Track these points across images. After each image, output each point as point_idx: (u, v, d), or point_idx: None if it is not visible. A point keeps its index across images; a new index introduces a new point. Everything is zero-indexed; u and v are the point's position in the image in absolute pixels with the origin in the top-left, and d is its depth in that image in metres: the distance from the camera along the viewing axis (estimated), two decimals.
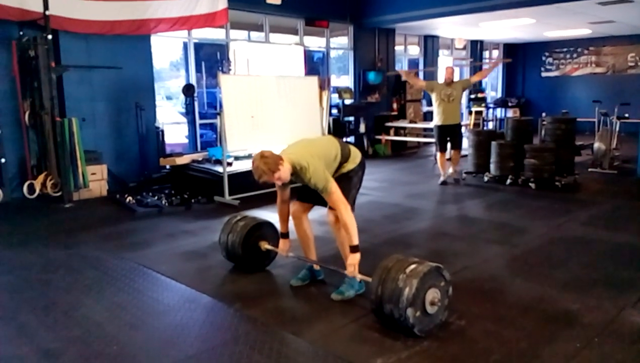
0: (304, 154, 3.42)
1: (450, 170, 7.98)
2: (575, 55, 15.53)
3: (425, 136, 11.87)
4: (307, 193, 3.68)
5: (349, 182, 3.66)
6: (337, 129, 10.81)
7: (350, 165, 3.69)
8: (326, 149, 3.60)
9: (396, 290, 2.95)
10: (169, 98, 11.14)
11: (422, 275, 2.96)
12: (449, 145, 7.96)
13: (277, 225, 3.99)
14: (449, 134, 7.79)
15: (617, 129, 9.08)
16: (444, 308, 3.11)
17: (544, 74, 16.27)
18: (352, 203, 3.66)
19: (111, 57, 7.68)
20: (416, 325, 2.95)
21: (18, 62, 6.79)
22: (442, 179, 7.83)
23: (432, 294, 3.02)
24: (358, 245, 3.44)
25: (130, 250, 4.87)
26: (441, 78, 8.66)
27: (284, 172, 3.33)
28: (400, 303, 2.91)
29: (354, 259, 3.43)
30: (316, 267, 3.92)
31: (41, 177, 6.93)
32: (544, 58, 16.17)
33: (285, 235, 3.92)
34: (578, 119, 8.43)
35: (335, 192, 3.39)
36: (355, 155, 3.75)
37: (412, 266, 3.03)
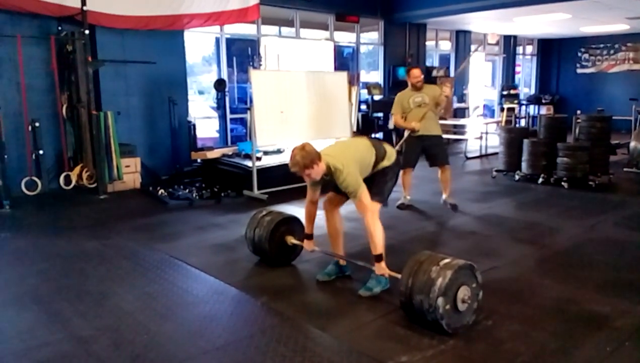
0: (340, 156, 3.49)
1: (444, 196, 6.18)
2: (612, 52, 15.09)
3: (455, 133, 11.74)
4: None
5: (384, 176, 3.76)
6: (366, 124, 10.79)
7: (385, 163, 3.76)
8: (363, 154, 3.66)
9: (428, 281, 2.96)
10: (200, 92, 11.29)
11: (456, 268, 2.98)
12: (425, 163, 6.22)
13: (303, 221, 4.02)
14: (427, 146, 6.00)
15: None
16: (472, 310, 3.10)
17: (579, 71, 15.87)
18: (387, 196, 3.80)
19: (146, 52, 7.84)
20: (445, 317, 2.93)
21: (56, 57, 6.99)
22: (401, 200, 6.19)
23: (464, 292, 3.01)
24: (382, 254, 3.49)
25: (161, 241, 4.98)
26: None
27: (316, 171, 3.41)
28: (431, 293, 2.92)
29: (379, 269, 3.51)
30: (342, 262, 3.95)
31: (77, 169, 7.15)
32: (579, 54, 15.77)
33: (310, 236, 3.96)
34: (614, 117, 8.21)
35: (364, 199, 3.46)
36: (391, 153, 3.83)
37: (446, 260, 3.06)
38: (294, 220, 4.27)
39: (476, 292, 3.11)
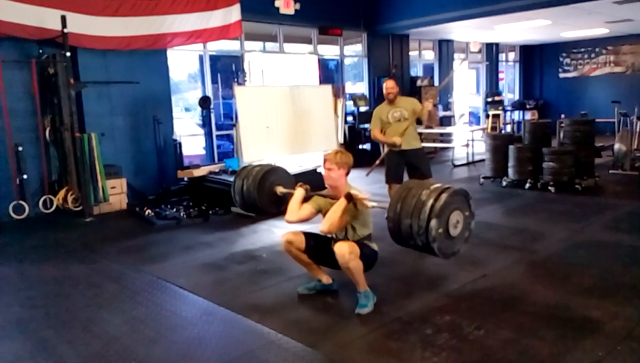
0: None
1: None
2: (593, 55, 15.29)
3: (441, 141, 11.80)
4: (317, 248, 3.76)
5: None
6: (353, 136, 10.81)
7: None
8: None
9: (418, 204, 2.86)
10: (187, 109, 11.25)
11: (451, 192, 2.90)
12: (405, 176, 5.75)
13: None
14: (408, 161, 5.69)
15: (638, 129, 8.92)
16: (464, 239, 3.02)
17: (561, 75, 16.06)
18: None
19: (129, 72, 7.80)
20: (437, 240, 2.84)
21: (38, 80, 6.94)
22: None
23: (457, 216, 2.94)
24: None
25: (149, 263, 4.92)
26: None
27: (338, 176, 3.60)
28: (422, 214, 2.82)
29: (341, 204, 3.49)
30: (327, 281, 3.89)
31: (62, 192, 7.06)
32: (561, 59, 15.96)
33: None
34: (597, 120, 8.31)
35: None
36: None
37: (437, 185, 2.99)
38: (282, 170, 4.22)
39: (469, 221, 3.04)
